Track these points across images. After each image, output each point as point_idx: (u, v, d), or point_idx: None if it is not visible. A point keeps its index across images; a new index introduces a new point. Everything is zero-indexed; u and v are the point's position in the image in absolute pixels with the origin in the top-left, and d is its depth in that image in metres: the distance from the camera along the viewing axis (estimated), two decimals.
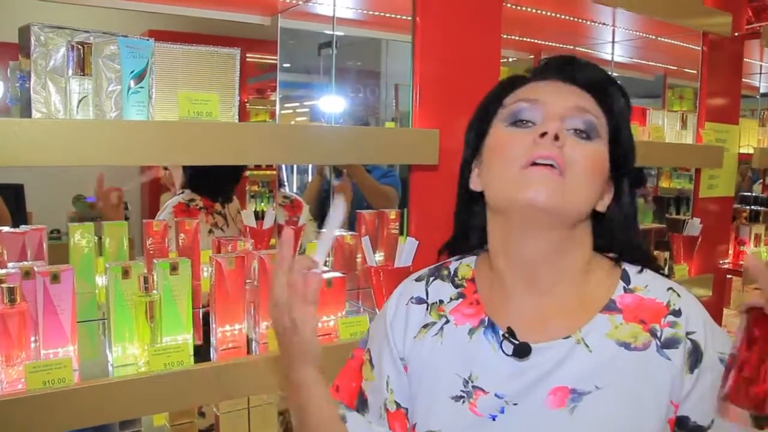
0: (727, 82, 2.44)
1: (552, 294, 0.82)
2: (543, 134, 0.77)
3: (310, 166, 2.31)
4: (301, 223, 1.82)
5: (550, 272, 0.82)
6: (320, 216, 2.12)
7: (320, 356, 0.85)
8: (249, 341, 1.31)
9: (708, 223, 2.32)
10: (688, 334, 0.79)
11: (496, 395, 0.80)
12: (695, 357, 0.78)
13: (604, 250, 0.87)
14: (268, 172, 2.27)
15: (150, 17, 1.66)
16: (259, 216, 1.69)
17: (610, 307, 0.81)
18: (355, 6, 1.84)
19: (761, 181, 3.75)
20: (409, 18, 1.51)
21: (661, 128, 2.23)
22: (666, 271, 2.10)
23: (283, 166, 2.19)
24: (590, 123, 0.80)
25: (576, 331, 0.80)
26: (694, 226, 2.28)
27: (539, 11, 1.98)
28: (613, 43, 2.39)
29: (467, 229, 0.92)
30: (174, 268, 1.24)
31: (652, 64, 2.99)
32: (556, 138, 0.76)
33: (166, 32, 1.73)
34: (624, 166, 0.84)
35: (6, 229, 1.38)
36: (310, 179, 2.34)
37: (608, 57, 2.42)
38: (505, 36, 1.65)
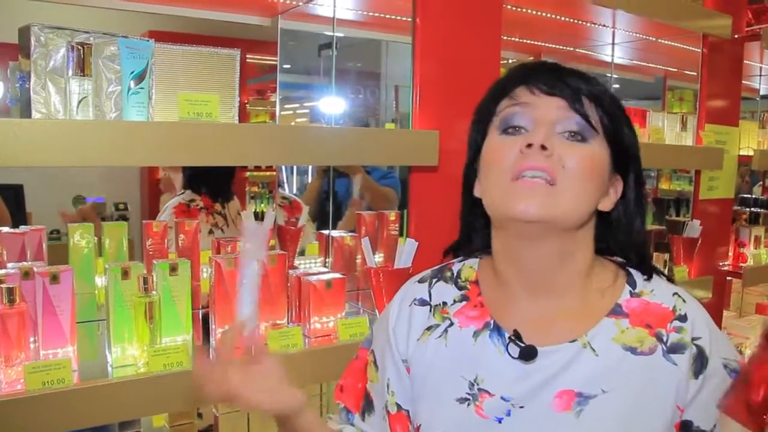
0: (727, 83, 2.44)
1: (557, 298, 0.82)
2: (529, 145, 0.76)
3: (309, 167, 2.31)
4: (301, 224, 1.82)
5: (555, 277, 0.82)
6: (320, 217, 2.12)
7: (296, 398, 0.84)
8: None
9: (708, 225, 2.32)
10: (693, 339, 0.79)
11: (502, 398, 0.79)
12: (700, 362, 0.78)
13: (607, 251, 0.87)
14: (268, 173, 2.27)
15: (150, 18, 1.66)
16: (259, 217, 1.69)
17: (617, 311, 0.81)
18: (355, 7, 1.84)
19: (761, 183, 3.75)
20: (409, 19, 1.51)
21: (661, 130, 2.23)
22: (666, 273, 2.10)
23: (283, 167, 2.19)
24: (583, 123, 0.78)
25: (582, 334, 0.79)
26: (694, 228, 2.28)
27: (539, 13, 1.98)
28: (613, 44, 2.39)
29: (472, 231, 0.92)
30: (173, 269, 1.24)
31: (652, 66, 2.99)
32: (544, 148, 0.75)
33: (166, 33, 1.73)
34: (625, 163, 0.83)
35: (6, 229, 1.38)
36: (310, 180, 2.34)
37: (608, 59, 2.41)
38: (505, 37, 1.65)
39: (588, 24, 2.14)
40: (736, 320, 2.89)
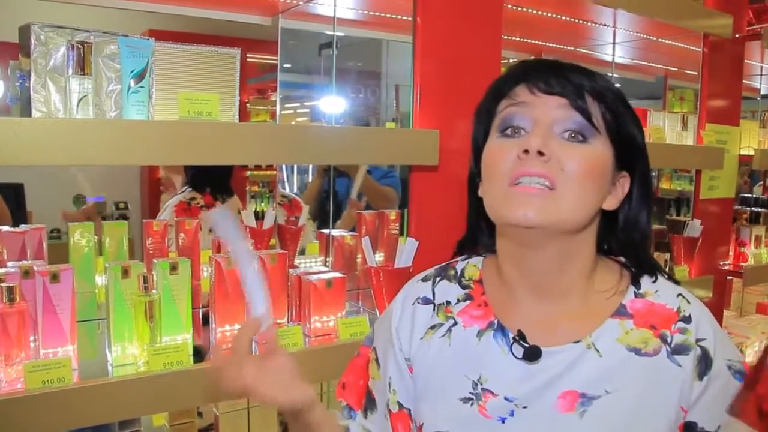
0: (727, 83, 2.44)
1: (561, 299, 0.82)
2: (526, 151, 0.75)
3: (310, 166, 2.31)
4: (301, 223, 1.82)
5: (558, 280, 0.81)
6: (320, 216, 2.12)
7: (307, 393, 0.83)
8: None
9: (708, 224, 2.32)
10: (698, 341, 0.79)
11: (505, 398, 0.79)
12: (705, 364, 0.78)
13: (611, 251, 0.87)
14: (269, 173, 2.28)
15: (150, 17, 1.66)
16: (259, 216, 1.69)
17: (621, 312, 0.81)
18: (355, 6, 1.84)
19: (762, 182, 3.75)
20: (410, 18, 1.51)
21: (662, 129, 2.23)
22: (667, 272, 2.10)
23: (284, 167, 2.19)
24: (583, 123, 0.76)
25: (586, 335, 0.79)
26: (695, 228, 2.28)
27: (540, 12, 1.98)
28: (614, 44, 2.39)
29: (477, 230, 0.91)
30: (174, 268, 1.24)
31: (653, 65, 2.98)
32: (541, 153, 0.74)
33: (166, 32, 1.73)
34: (631, 160, 0.81)
35: (6, 228, 1.38)
36: (310, 179, 2.34)
37: (609, 58, 2.41)
38: (505, 37, 1.65)
39: (589, 23, 2.14)
40: (737, 320, 2.89)
